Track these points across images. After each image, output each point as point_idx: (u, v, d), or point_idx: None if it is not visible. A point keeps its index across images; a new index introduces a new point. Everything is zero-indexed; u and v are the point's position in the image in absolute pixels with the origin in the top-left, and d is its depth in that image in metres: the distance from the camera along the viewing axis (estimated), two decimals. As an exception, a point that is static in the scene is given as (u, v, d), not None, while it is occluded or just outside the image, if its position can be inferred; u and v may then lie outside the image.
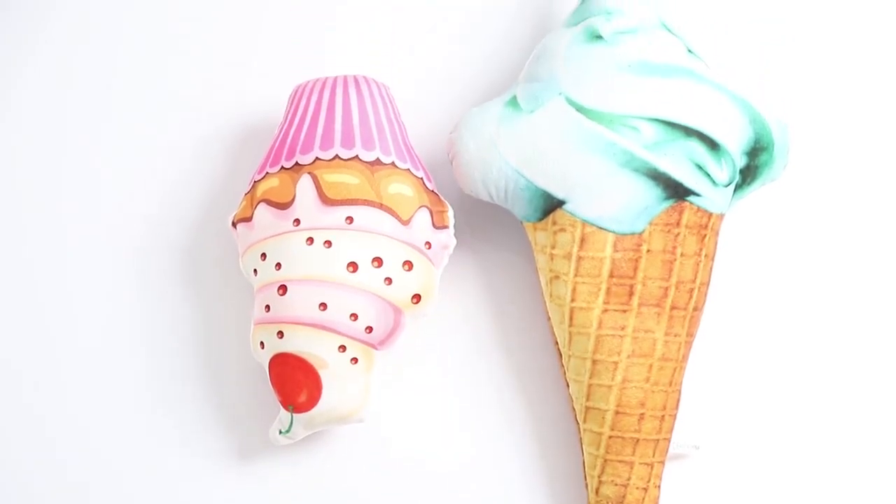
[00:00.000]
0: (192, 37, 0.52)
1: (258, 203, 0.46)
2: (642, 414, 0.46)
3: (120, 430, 0.50)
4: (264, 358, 0.46)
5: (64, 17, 0.52)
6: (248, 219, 0.47)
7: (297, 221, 0.46)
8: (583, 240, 0.45)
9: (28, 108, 0.51)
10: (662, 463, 0.47)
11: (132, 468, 0.50)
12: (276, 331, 0.46)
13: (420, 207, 0.46)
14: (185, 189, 0.51)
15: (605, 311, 0.46)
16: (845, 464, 0.50)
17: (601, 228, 0.45)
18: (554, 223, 0.46)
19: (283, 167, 0.46)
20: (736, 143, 0.45)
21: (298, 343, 0.46)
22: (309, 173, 0.46)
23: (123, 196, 0.51)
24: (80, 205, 0.51)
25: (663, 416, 0.46)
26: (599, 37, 0.45)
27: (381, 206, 0.46)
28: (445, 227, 0.47)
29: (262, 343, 0.46)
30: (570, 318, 0.46)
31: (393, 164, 0.46)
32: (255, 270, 0.47)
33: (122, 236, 0.51)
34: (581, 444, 0.47)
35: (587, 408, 0.47)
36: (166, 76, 0.52)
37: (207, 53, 0.52)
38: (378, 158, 0.46)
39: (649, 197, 0.45)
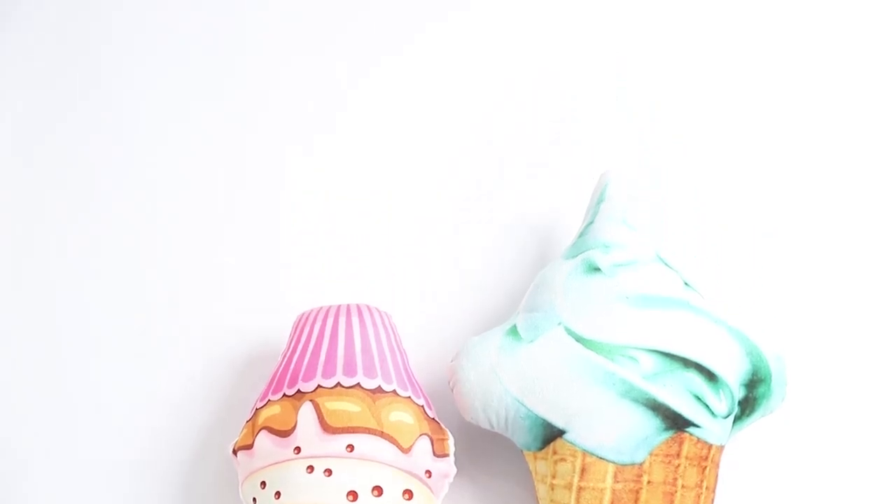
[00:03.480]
0: (198, 264, 0.53)
1: (259, 430, 0.46)
2: None
3: None
4: (261, 592, 0.45)
5: (61, 244, 0.52)
6: (249, 446, 0.46)
7: (297, 449, 0.45)
8: (583, 470, 0.45)
9: (33, 326, 0.52)
10: None
11: None
12: (274, 561, 0.45)
13: (420, 435, 0.46)
14: (186, 415, 0.51)
15: (607, 542, 0.45)
16: None
17: (601, 458, 0.44)
18: (554, 452, 0.45)
19: (285, 394, 0.46)
20: (734, 375, 0.45)
21: (296, 576, 0.45)
22: (311, 401, 0.46)
23: (124, 420, 0.51)
24: (79, 425, 0.51)
25: None
26: (597, 269, 0.46)
27: (381, 435, 0.45)
28: (446, 455, 0.46)
29: (258, 576, 0.45)
30: (572, 550, 0.45)
31: (394, 391, 0.46)
32: (254, 499, 0.46)
33: (120, 460, 0.50)
34: None
35: None
36: (171, 301, 0.52)
37: (213, 280, 0.52)
38: (380, 386, 0.46)
39: (649, 427, 0.44)
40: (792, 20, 0.55)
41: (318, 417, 0.45)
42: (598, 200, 0.48)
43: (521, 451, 0.47)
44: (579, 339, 0.45)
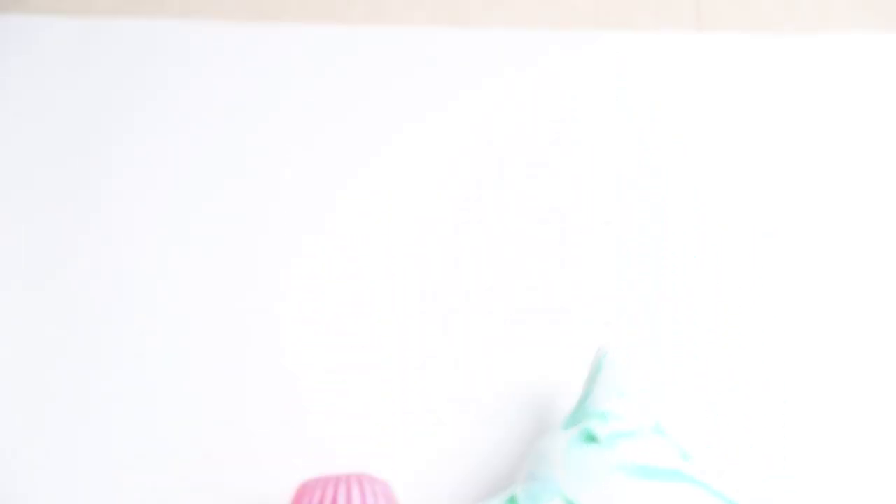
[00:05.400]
0: (200, 432, 0.52)
1: None
2: None
3: None
4: None
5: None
6: None
7: None
8: None
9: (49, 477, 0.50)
10: None
11: None
12: None
13: None
14: None
15: None
16: None
17: None
18: None
19: None
20: None
21: None
22: None
23: None
24: None
25: None
26: (595, 439, 0.45)
27: None
28: None
29: None
30: None
31: None
32: None
33: None
34: None
35: None
36: (172, 469, 0.51)
37: (217, 448, 0.52)
38: None
39: None
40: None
41: (316, 589, 0.44)
42: (596, 372, 0.48)
43: None
44: (579, 510, 0.44)
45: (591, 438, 0.46)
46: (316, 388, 0.53)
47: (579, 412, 0.48)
